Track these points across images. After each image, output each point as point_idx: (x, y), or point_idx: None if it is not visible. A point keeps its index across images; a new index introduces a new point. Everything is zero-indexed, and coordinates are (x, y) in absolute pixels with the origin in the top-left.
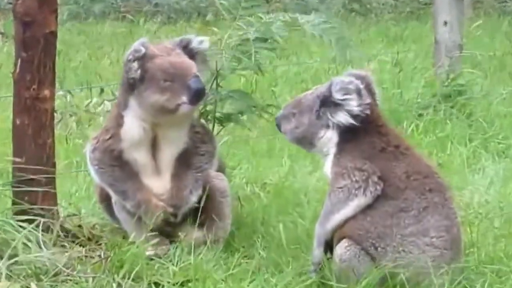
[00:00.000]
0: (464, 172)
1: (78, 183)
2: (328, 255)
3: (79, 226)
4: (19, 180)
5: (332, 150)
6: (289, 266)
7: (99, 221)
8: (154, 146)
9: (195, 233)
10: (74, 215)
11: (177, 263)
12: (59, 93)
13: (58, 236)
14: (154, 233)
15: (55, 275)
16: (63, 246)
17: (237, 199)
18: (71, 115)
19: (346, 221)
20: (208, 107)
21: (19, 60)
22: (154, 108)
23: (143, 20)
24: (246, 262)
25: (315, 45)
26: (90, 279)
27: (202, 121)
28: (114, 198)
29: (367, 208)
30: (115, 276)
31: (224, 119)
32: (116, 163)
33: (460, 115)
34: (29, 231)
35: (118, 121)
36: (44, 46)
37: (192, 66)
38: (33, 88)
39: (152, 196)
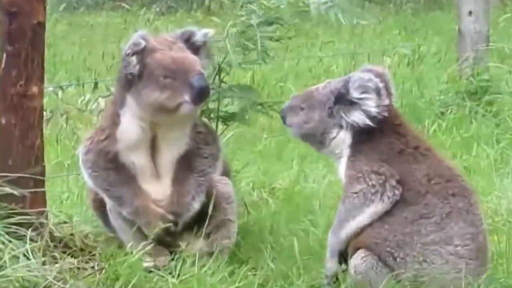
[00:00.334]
0: (491, 176)
1: (69, 188)
2: (343, 266)
3: (71, 235)
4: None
5: (346, 152)
6: (300, 279)
7: (93, 230)
8: (153, 148)
9: (197, 243)
10: (65, 222)
11: (178, 276)
12: (48, 89)
13: (48, 246)
14: (152, 242)
15: None
16: (53, 257)
17: (243, 206)
18: (61, 114)
19: (362, 229)
20: (211, 105)
21: (5, 54)
22: (153, 107)
23: (140, 9)
24: (254, 275)
25: (329, 35)
26: None
27: (205, 120)
28: (109, 204)
29: (385, 215)
30: None
31: (229, 118)
32: (112, 166)
33: (486, 114)
34: (17, 239)
35: (114, 120)
36: (32, 38)
37: (195, 62)
38: (20, 84)
39: (150, 202)
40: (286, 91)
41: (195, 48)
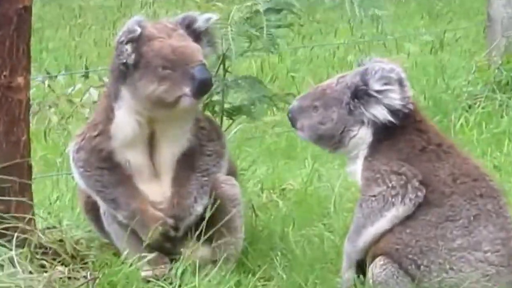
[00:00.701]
0: None
1: (59, 189)
2: (361, 278)
3: (61, 240)
4: None
5: (363, 152)
6: None
7: (85, 235)
8: (151, 145)
9: (200, 250)
10: (55, 227)
11: (179, 286)
12: (35, 79)
13: (36, 253)
14: (151, 249)
15: None
16: (41, 265)
17: (250, 208)
18: (50, 106)
19: (382, 235)
20: (215, 97)
21: None
22: (149, 100)
23: None
24: (263, 285)
25: (345, 21)
26: None
27: (208, 114)
28: (103, 207)
29: (406, 218)
30: None
31: (234, 112)
32: (105, 165)
33: None
34: (0, 246)
35: (108, 115)
36: (17, 24)
37: (197, 51)
38: (4, 75)
39: (148, 205)
40: (299, 81)
41: (197, 35)
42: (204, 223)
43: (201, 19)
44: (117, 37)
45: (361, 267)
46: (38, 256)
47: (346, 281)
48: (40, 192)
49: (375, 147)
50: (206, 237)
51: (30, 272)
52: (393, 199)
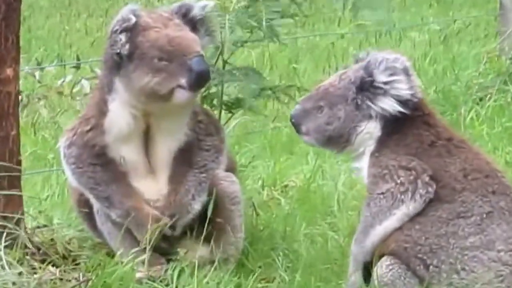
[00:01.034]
0: None
1: (50, 186)
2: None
3: (51, 240)
4: None
5: (370, 148)
6: None
7: (77, 235)
8: (146, 140)
9: (198, 250)
10: (45, 226)
11: None
12: (24, 70)
13: (26, 253)
14: (146, 249)
15: None
16: (31, 266)
17: (251, 206)
18: (39, 99)
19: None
20: (213, 90)
21: None
22: (144, 93)
23: None
24: (264, 287)
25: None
26: None
27: (206, 107)
28: (95, 205)
29: (416, 215)
30: None
31: (234, 105)
32: (98, 162)
33: None
34: None
35: (101, 108)
36: (6, 13)
37: (194, 42)
38: None
39: (143, 203)
40: (301, 72)
41: (194, 25)
42: (206, 223)
43: (198, 7)
44: (110, 26)
45: (367, 269)
46: (27, 257)
47: (352, 284)
48: (30, 190)
49: (382, 142)
50: (204, 236)
51: (20, 274)
52: (402, 196)
